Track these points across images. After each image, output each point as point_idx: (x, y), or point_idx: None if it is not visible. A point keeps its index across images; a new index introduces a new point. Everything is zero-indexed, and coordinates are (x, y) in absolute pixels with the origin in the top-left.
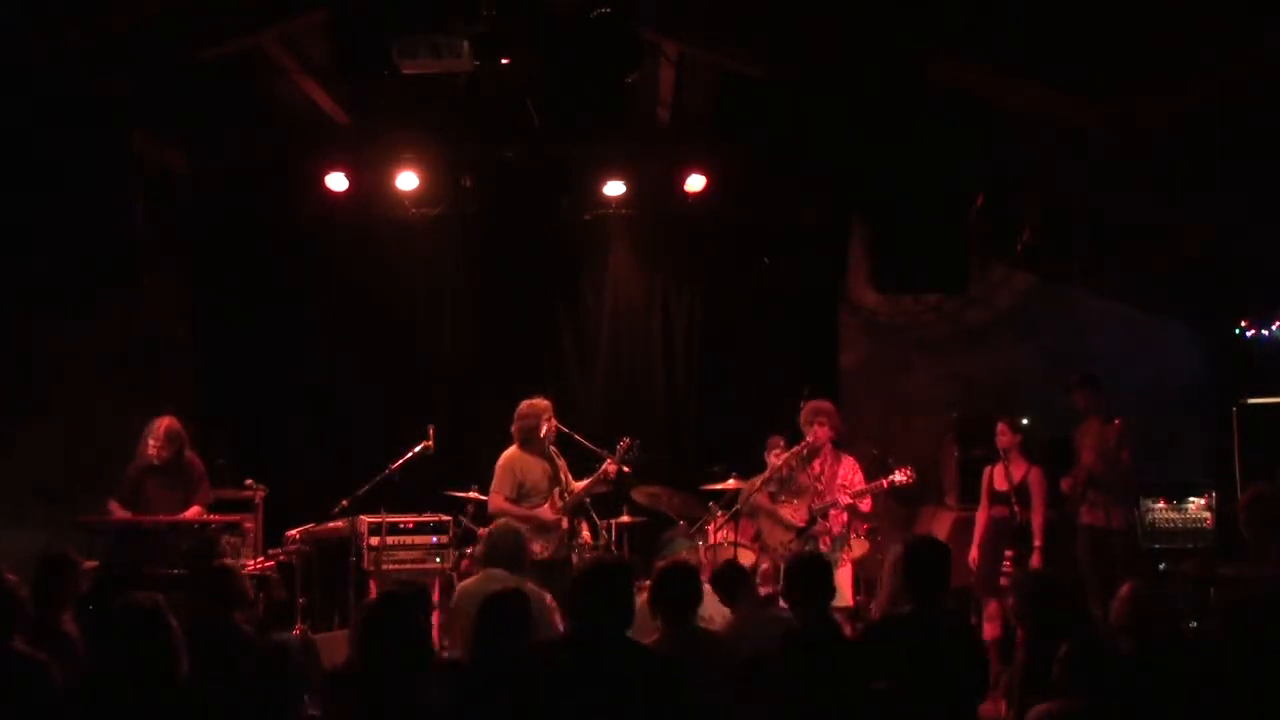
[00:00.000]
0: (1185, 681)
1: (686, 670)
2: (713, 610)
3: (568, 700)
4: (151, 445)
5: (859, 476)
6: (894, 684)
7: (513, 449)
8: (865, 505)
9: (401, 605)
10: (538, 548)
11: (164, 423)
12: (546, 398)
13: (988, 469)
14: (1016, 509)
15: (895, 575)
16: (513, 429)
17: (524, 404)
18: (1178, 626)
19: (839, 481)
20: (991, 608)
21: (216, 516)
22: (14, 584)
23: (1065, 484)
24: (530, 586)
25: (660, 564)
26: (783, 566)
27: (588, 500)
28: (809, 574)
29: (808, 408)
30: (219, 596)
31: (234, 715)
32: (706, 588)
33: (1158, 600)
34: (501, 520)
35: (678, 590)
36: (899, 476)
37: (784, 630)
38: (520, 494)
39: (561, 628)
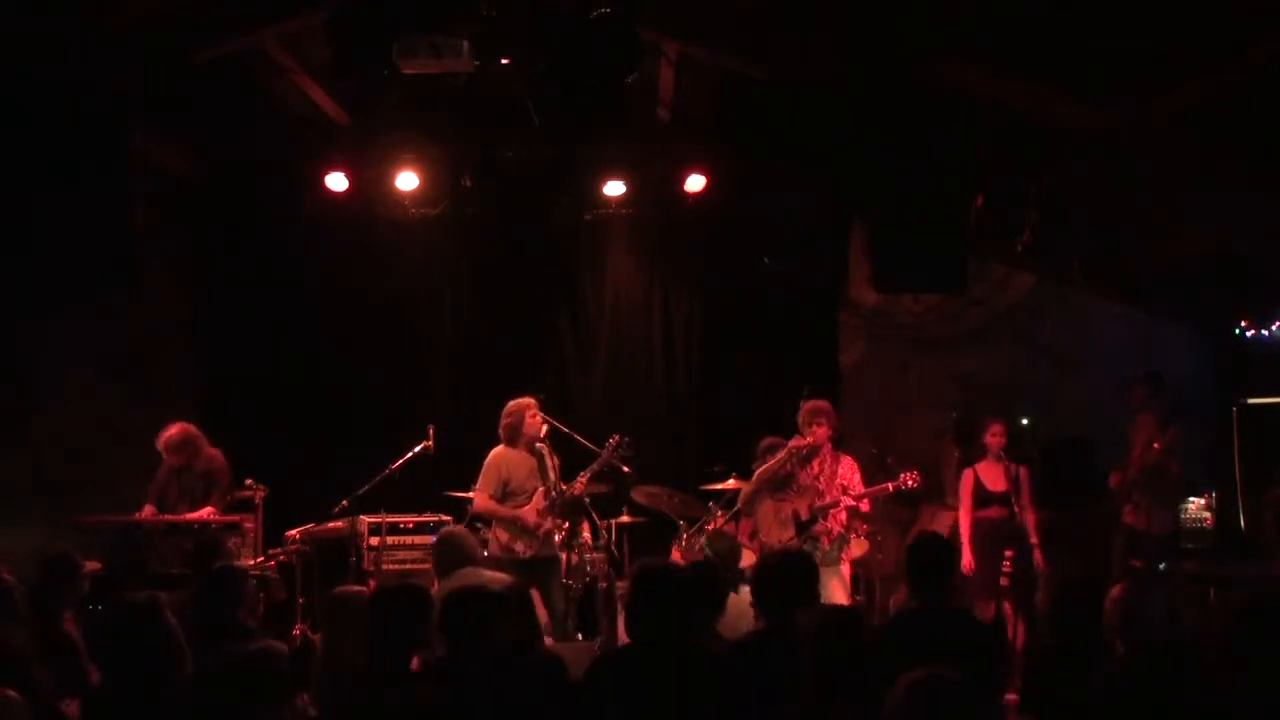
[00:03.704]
0: (1183, 684)
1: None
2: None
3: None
4: (163, 453)
5: (857, 476)
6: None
7: (499, 447)
8: (864, 505)
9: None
10: (520, 547)
11: (169, 432)
12: (545, 396)
13: (968, 471)
14: (1017, 509)
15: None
16: (500, 427)
17: (510, 402)
18: (1174, 629)
19: (838, 481)
20: (989, 609)
21: (217, 517)
22: (10, 583)
23: (1114, 480)
24: (499, 576)
25: (764, 556)
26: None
27: (587, 500)
28: (791, 574)
29: (806, 408)
30: (224, 597)
31: (235, 715)
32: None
33: (1149, 603)
34: (442, 530)
35: (783, 583)
36: (906, 482)
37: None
38: (505, 492)
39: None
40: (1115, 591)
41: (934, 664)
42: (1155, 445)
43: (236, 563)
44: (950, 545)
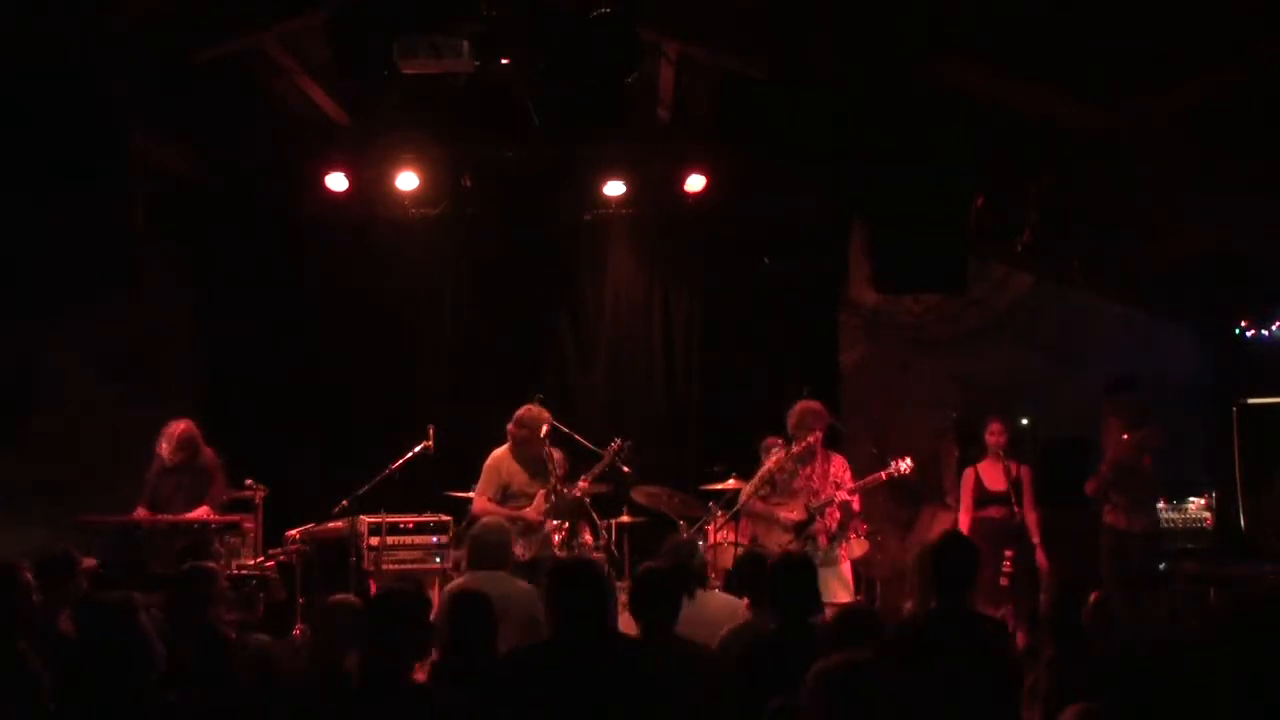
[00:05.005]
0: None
1: (663, 676)
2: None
3: (548, 704)
4: (164, 448)
5: (849, 474)
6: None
7: (502, 450)
8: (855, 502)
9: (406, 601)
10: (519, 550)
11: (178, 427)
12: (545, 396)
13: (969, 471)
14: (1016, 509)
15: (923, 573)
16: (508, 428)
17: (525, 410)
18: (1174, 629)
19: (831, 479)
20: (993, 611)
21: (216, 517)
22: (28, 583)
23: (1089, 486)
24: (522, 585)
25: (641, 568)
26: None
27: (588, 501)
28: (792, 576)
29: (800, 411)
30: (192, 596)
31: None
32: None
33: (1125, 608)
34: (485, 520)
35: (656, 595)
36: (899, 467)
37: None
38: (505, 495)
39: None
40: (1092, 597)
41: (957, 667)
42: (1124, 437)
43: (212, 563)
44: (975, 547)
